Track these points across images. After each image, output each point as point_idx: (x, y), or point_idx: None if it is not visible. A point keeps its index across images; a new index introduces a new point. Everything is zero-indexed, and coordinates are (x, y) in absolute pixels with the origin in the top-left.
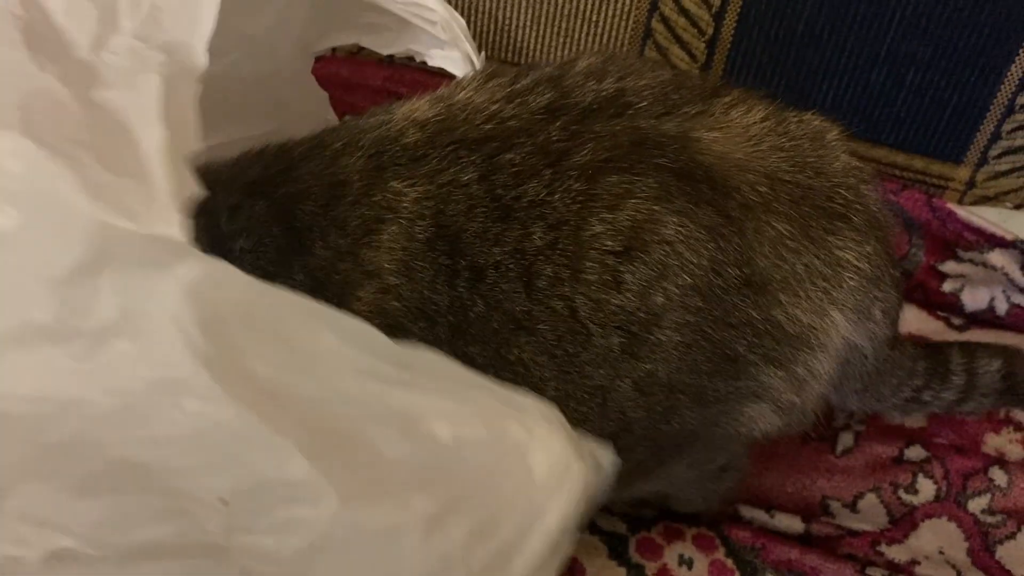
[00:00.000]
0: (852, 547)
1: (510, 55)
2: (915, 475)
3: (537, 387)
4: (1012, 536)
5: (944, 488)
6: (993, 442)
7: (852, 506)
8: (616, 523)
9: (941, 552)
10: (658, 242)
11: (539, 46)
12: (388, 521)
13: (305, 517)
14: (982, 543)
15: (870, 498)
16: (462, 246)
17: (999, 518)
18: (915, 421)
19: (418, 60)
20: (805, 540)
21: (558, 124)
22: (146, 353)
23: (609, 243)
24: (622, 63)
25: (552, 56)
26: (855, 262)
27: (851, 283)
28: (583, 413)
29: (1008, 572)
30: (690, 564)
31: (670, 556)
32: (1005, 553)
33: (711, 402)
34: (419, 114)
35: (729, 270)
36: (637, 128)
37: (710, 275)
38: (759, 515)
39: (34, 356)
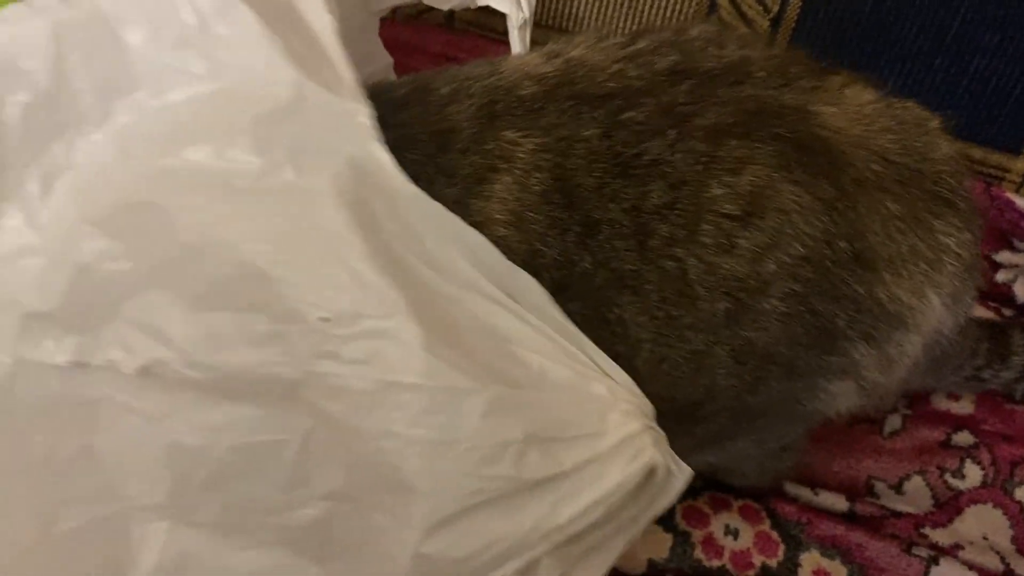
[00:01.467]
0: (896, 528)
1: (569, 24)
2: (962, 460)
3: (632, 348)
4: None
5: (991, 474)
6: None
7: (898, 488)
8: None
9: (985, 538)
10: (775, 210)
11: (600, 17)
12: (458, 383)
13: (388, 353)
14: None
15: (916, 481)
16: (577, 200)
17: None
18: (963, 407)
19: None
20: (849, 519)
21: (683, 87)
22: (304, 196)
23: (728, 207)
24: (736, 34)
25: (614, 27)
26: (956, 248)
27: (950, 269)
28: (674, 378)
29: None
30: (736, 534)
31: (716, 525)
32: None
33: (800, 375)
34: (532, 68)
35: (840, 243)
36: (758, 96)
37: (822, 247)
38: (804, 492)
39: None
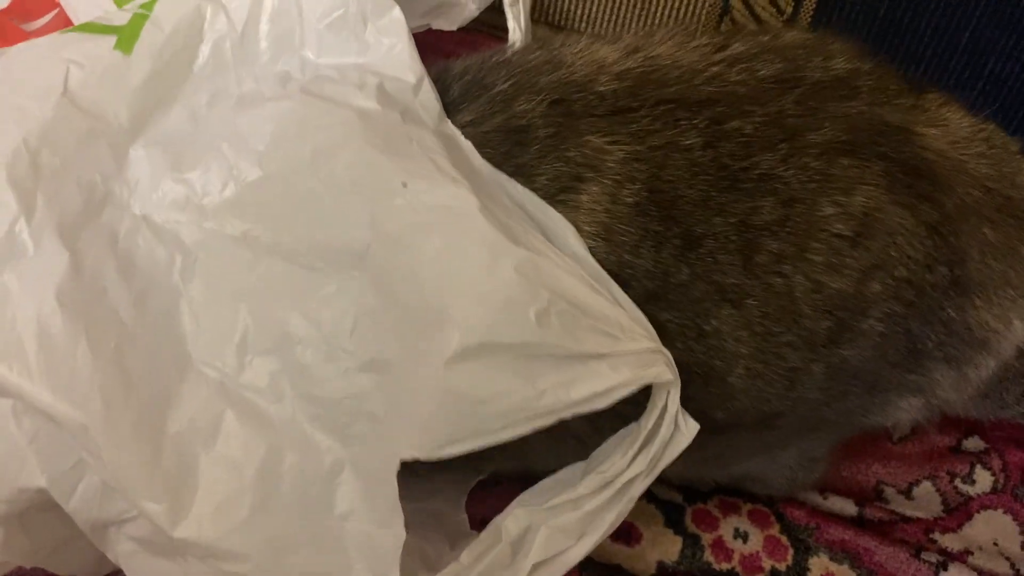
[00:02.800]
0: (905, 533)
1: (579, 23)
2: (972, 465)
3: (728, 363)
4: None
5: (1001, 480)
6: None
7: (907, 493)
8: (672, 493)
9: (995, 544)
10: (883, 231)
11: (611, 16)
12: (500, 241)
13: (452, 213)
14: None
15: (926, 486)
16: (677, 213)
17: None
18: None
19: None
20: (858, 523)
21: (791, 98)
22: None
23: (839, 227)
24: (840, 46)
25: (625, 27)
26: None
27: None
28: (767, 394)
29: None
30: (745, 538)
31: (725, 528)
32: None
33: (879, 391)
34: (608, 61)
35: (941, 268)
36: (866, 113)
37: (923, 271)
38: (812, 497)
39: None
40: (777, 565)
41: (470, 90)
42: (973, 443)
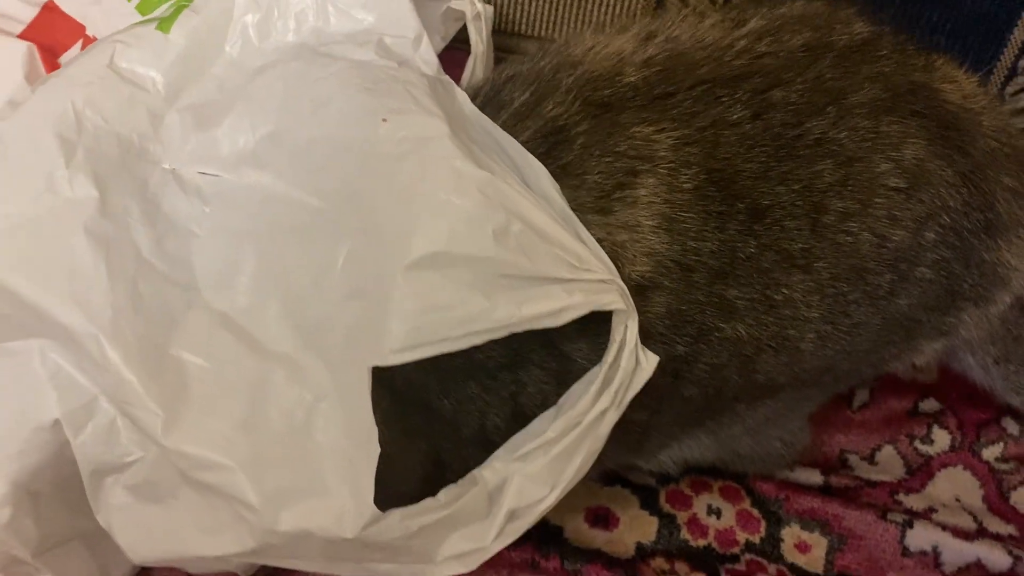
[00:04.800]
0: (871, 497)
1: (521, 27)
2: (930, 426)
3: (800, 330)
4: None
5: (959, 438)
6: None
7: (870, 458)
8: (645, 477)
9: (958, 500)
10: (929, 183)
11: (552, 17)
12: (467, 168)
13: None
14: (997, 490)
15: (887, 450)
16: (739, 189)
17: (1012, 465)
18: (928, 375)
19: None
20: (825, 492)
21: (826, 63)
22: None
23: (895, 180)
24: (849, 12)
25: (565, 28)
26: None
27: None
28: (833, 352)
29: (1023, 516)
30: (719, 513)
31: (699, 506)
32: (1019, 498)
33: (917, 337)
34: (627, 51)
35: (976, 214)
36: (896, 73)
37: (962, 217)
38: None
39: None
40: (751, 538)
41: (487, 106)
42: (929, 404)
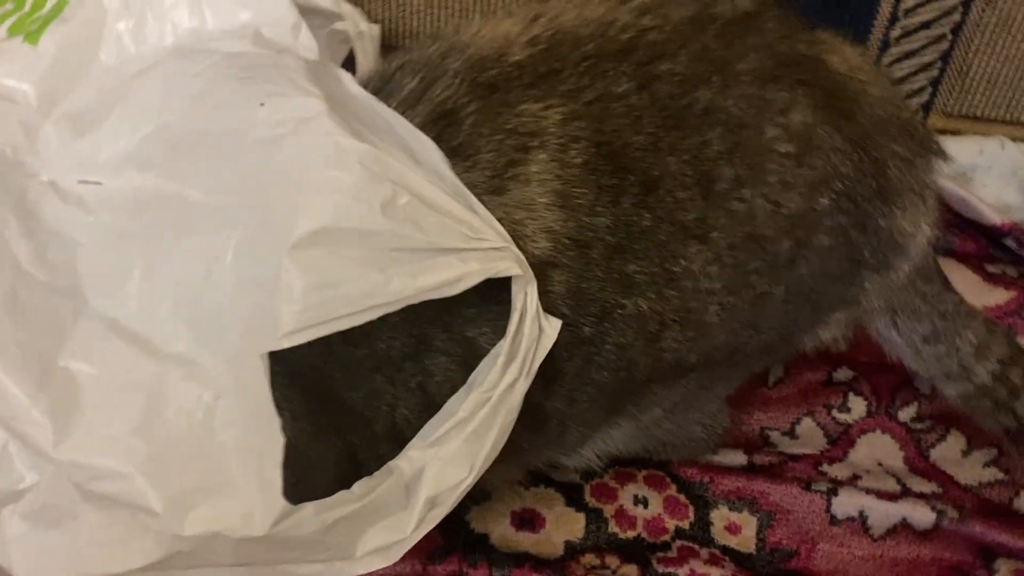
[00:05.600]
0: (795, 471)
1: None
2: (846, 395)
3: (701, 301)
4: (942, 438)
5: (874, 403)
6: None
7: (791, 433)
8: (569, 474)
9: (880, 464)
10: (819, 148)
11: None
12: (348, 144)
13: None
14: (916, 450)
15: (806, 422)
16: (629, 161)
17: (928, 424)
18: (838, 345)
19: None
20: (750, 470)
21: (710, 34)
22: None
23: (785, 146)
24: None
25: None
26: (932, 187)
27: (931, 203)
28: (738, 325)
29: (943, 472)
30: (645, 503)
31: (625, 497)
32: (938, 455)
33: (824, 309)
34: (513, 33)
35: (868, 180)
36: (780, 44)
37: (855, 183)
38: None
39: None
40: (680, 524)
41: (378, 94)
42: (843, 374)
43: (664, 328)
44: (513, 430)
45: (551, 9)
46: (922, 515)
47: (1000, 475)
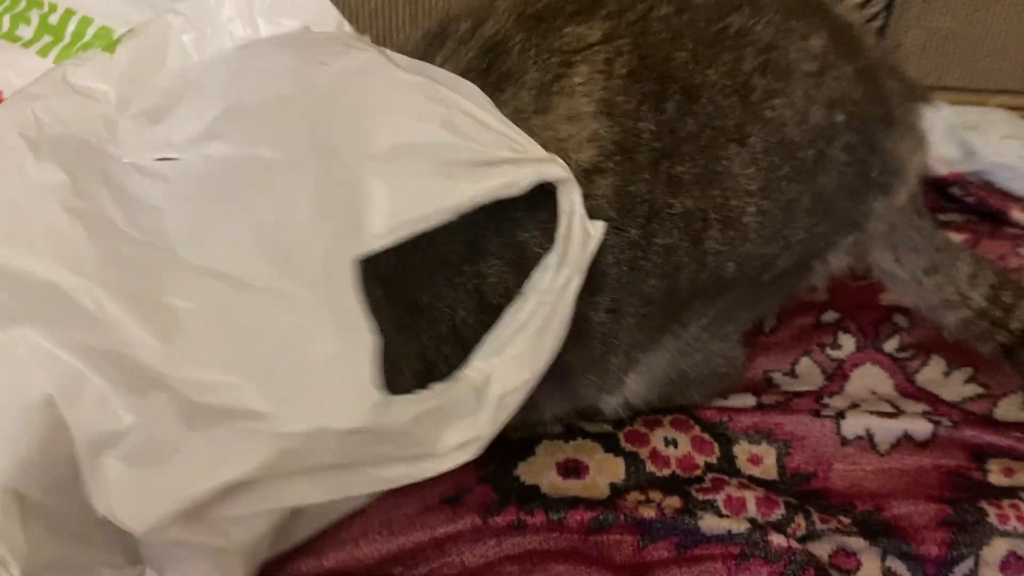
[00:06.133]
0: (800, 406)
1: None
2: (835, 333)
3: (741, 200)
4: (925, 363)
5: (861, 339)
6: (887, 297)
7: (791, 373)
8: (602, 425)
9: (873, 392)
10: (835, 73)
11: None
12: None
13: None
14: (903, 376)
15: (804, 362)
16: (672, 70)
17: (910, 352)
18: (820, 295)
19: None
20: (760, 410)
21: None
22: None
23: (807, 65)
24: None
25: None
26: (919, 124)
27: (920, 137)
28: (771, 231)
29: (930, 393)
30: (675, 443)
31: (656, 440)
32: (923, 379)
33: (838, 229)
34: None
35: (875, 106)
36: None
37: (864, 107)
38: (716, 401)
39: None
40: (708, 459)
41: (433, 43)
42: (829, 316)
43: (707, 227)
44: (563, 346)
45: None
46: (921, 427)
47: (979, 390)
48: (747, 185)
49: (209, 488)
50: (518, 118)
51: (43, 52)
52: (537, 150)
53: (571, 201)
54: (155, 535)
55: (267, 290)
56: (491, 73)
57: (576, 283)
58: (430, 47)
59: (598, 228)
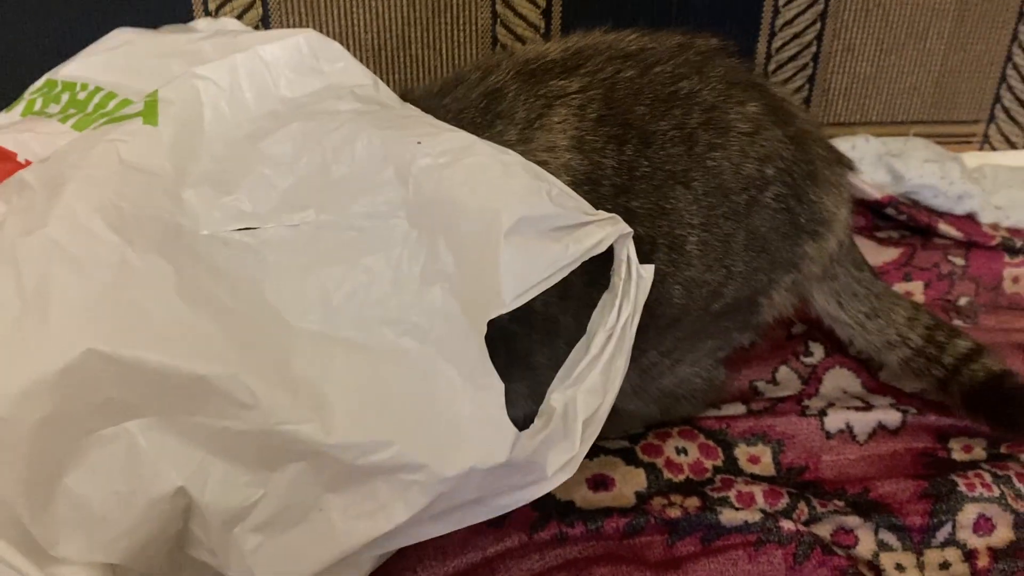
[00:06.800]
0: (785, 410)
1: None
2: (806, 343)
3: (685, 231)
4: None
5: (829, 345)
6: None
7: (773, 380)
8: (620, 442)
9: (845, 391)
10: (768, 135)
11: None
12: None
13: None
14: (868, 375)
15: (783, 370)
16: (632, 119)
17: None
18: (784, 310)
19: None
20: (752, 415)
21: (691, 53)
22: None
23: (743, 126)
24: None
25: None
26: (847, 185)
27: (846, 195)
28: (711, 260)
29: (892, 387)
30: (685, 452)
31: (669, 450)
32: (885, 376)
33: (777, 267)
34: (552, 48)
35: (802, 165)
36: (739, 68)
37: (793, 164)
38: (712, 413)
39: None
40: (716, 463)
41: (447, 85)
42: (798, 328)
43: (655, 250)
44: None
45: (575, 38)
46: (891, 417)
47: None
48: (690, 219)
49: (369, 538)
50: (505, 146)
51: (63, 119)
52: (600, 212)
53: (628, 249)
54: None
55: (388, 351)
56: (488, 112)
57: (636, 320)
58: (445, 87)
59: (649, 271)
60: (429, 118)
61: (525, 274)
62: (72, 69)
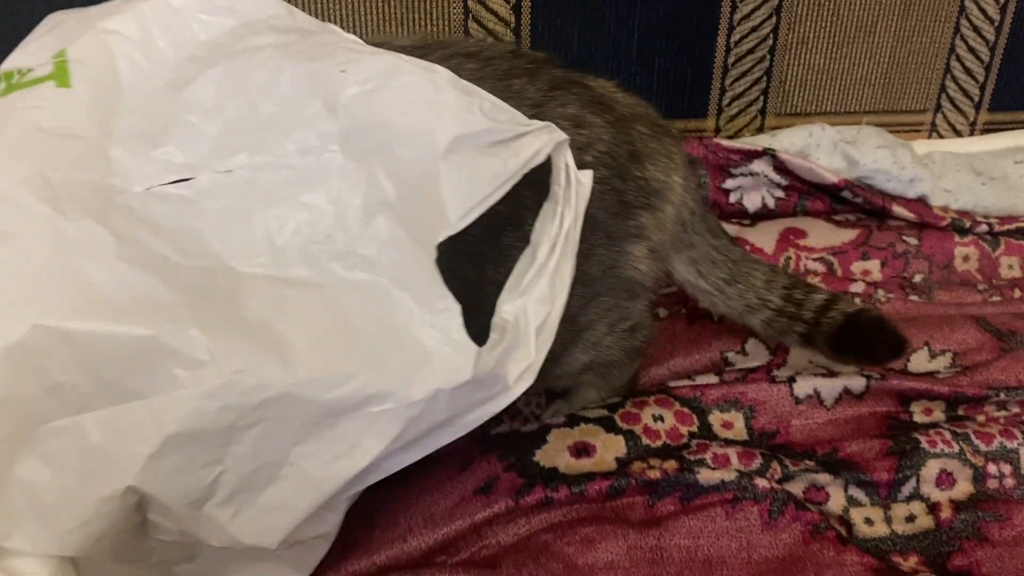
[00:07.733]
0: (756, 379)
1: None
2: None
3: (523, 213)
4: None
5: None
6: None
7: (742, 351)
8: (600, 410)
9: (811, 361)
10: (589, 125)
11: None
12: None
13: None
14: None
15: (752, 342)
16: None
17: None
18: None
19: None
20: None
21: (522, 60)
22: None
23: (563, 122)
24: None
25: None
26: (679, 152)
27: (678, 160)
28: None
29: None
30: (662, 419)
31: (646, 417)
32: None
33: (613, 240)
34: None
35: (622, 146)
36: (564, 74)
37: (613, 146)
38: (685, 383)
39: None
40: (691, 428)
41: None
42: None
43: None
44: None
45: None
46: (856, 383)
47: None
48: (525, 203)
49: (348, 476)
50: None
51: None
52: (532, 121)
53: (565, 157)
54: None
55: (341, 284)
56: None
57: (578, 225)
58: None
59: (587, 176)
60: (351, 40)
61: (468, 193)
62: (10, 60)
